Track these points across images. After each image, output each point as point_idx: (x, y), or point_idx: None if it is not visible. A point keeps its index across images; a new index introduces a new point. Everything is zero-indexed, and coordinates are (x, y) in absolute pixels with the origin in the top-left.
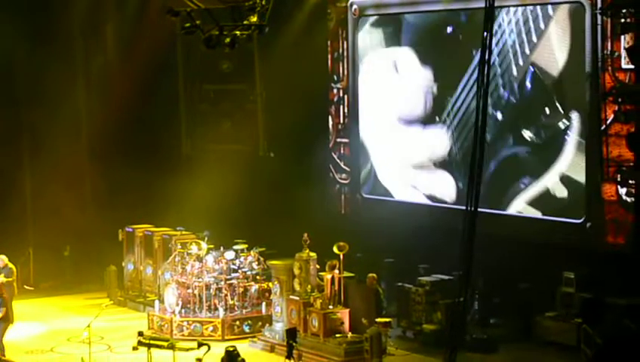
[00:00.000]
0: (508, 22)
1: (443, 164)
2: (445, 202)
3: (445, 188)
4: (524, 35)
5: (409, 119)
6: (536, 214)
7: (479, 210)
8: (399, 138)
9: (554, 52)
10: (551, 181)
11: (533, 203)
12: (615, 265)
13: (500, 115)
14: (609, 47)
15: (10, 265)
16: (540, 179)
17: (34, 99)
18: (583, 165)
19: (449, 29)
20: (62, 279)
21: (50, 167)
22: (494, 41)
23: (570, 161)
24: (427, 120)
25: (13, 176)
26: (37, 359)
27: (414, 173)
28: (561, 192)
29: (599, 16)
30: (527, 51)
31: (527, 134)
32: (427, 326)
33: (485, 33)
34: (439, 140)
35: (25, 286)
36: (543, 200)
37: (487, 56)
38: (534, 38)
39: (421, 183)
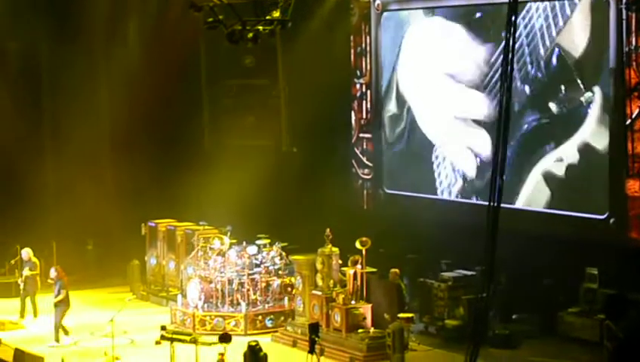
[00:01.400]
0: (536, 8)
1: (480, 123)
2: (480, 156)
3: (482, 144)
4: (550, 20)
5: (455, 78)
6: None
7: (503, 205)
8: (443, 94)
9: (577, 36)
10: (571, 148)
11: (554, 167)
12: (638, 260)
13: (527, 89)
14: (633, 43)
15: (34, 259)
16: (561, 146)
17: (57, 94)
18: (601, 134)
19: (478, 14)
20: (85, 273)
21: (73, 162)
22: (524, 22)
23: (590, 131)
24: (470, 82)
25: (37, 170)
26: (60, 352)
27: (456, 126)
28: (580, 159)
29: (624, 11)
30: (554, 34)
31: (551, 106)
32: (449, 321)
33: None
34: (479, 100)
35: (48, 281)
36: (563, 166)
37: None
38: (560, 22)
39: (462, 136)
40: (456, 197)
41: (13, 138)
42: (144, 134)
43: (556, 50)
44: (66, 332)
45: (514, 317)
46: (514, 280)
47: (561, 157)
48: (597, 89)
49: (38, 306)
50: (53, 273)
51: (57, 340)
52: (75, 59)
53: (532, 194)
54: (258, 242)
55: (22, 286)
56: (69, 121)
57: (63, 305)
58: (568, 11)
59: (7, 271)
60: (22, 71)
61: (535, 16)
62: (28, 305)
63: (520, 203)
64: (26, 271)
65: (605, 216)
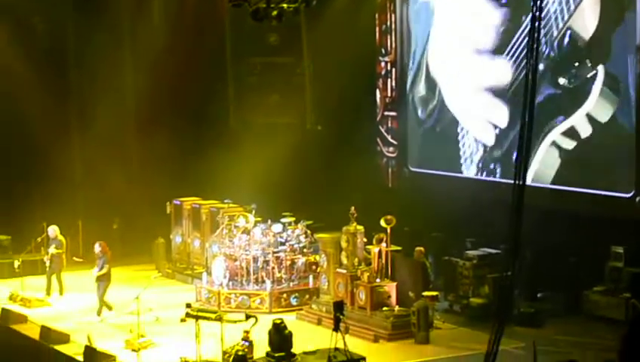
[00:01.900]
0: None
1: (501, 93)
2: (498, 127)
3: (501, 115)
4: (564, 5)
5: (481, 50)
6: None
7: (528, 183)
8: (470, 67)
9: (586, 20)
10: (578, 118)
11: (566, 133)
12: None
13: (541, 65)
14: None
15: (61, 237)
16: (570, 117)
17: (83, 72)
18: (605, 107)
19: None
20: (111, 251)
21: (99, 140)
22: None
23: (594, 104)
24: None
25: (63, 149)
26: (86, 330)
27: (481, 98)
28: (586, 129)
29: None
30: (566, 17)
31: (561, 81)
32: (474, 299)
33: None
34: (504, 71)
35: (74, 258)
36: (572, 134)
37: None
38: (572, 7)
39: (483, 108)
40: (478, 168)
41: (39, 116)
42: (169, 112)
43: (568, 32)
44: (109, 308)
45: (539, 295)
46: (539, 259)
47: (585, 136)
48: (600, 68)
49: (64, 284)
50: (97, 248)
51: (99, 314)
52: (101, 37)
53: (558, 172)
54: (283, 220)
55: (48, 264)
56: (95, 99)
57: (105, 280)
58: None
59: (34, 248)
60: (48, 48)
61: (550, 1)
62: (54, 282)
63: (545, 181)
64: (52, 249)
65: (631, 194)
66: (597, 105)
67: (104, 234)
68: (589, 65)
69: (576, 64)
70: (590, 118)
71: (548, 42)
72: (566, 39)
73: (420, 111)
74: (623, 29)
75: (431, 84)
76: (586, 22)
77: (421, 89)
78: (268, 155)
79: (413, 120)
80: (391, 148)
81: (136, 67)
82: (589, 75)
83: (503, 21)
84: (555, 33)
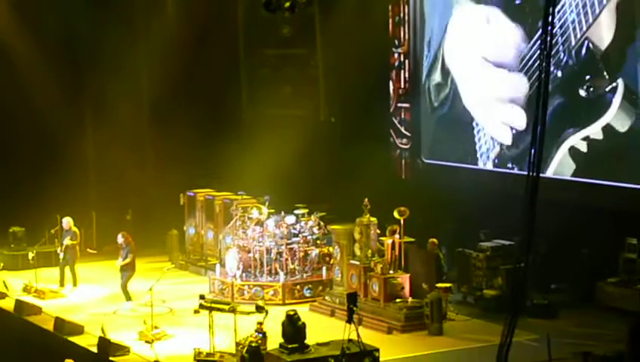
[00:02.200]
0: (569, 3)
1: (516, 100)
2: (516, 129)
3: (518, 118)
4: (582, 16)
5: (496, 62)
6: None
7: (542, 175)
8: (485, 77)
9: (604, 31)
10: (595, 130)
11: (578, 144)
12: None
13: (559, 73)
14: None
15: (75, 229)
16: (586, 128)
17: (95, 62)
18: (623, 120)
19: (517, 1)
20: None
21: (112, 131)
22: (558, 15)
23: (613, 115)
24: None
25: (76, 141)
26: (100, 321)
27: (497, 105)
28: (602, 139)
29: None
30: (584, 28)
31: (579, 91)
32: (488, 291)
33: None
34: (518, 83)
35: (88, 250)
36: (586, 145)
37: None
38: (590, 19)
39: (500, 113)
40: (492, 161)
41: (53, 108)
42: (183, 104)
43: (586, 42)
44: (128, 298)
45: (552, 287)
46: (553, 250)
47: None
48: (619, 81)
49: (77, 275)
50: (120, 239)
51: (129, 299)
52: (115, 28)
53: (571, 163)
54: (296, 212)
55: (62, 256)
56: (109, 91)
57: (128, 269)
58: (597, 9)
59: (48, 240)
60: (62, 40)
61: (568, 10)
62: (67, 274)
63: (560, 172)
64: (67, 241)
65: None
66: (616, 116)
67: (118, 226)
68: (606, 77)
69: (593, 74)
70: (608, 126)
71: (566, 51)
72: (583, 49)
73: (434, 103)
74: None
75: (445, 75)
76: (603, 33)
77: (436, 80)
78: (281, 147)
79: (427, 111)
80: (404, 140)
81: (150, 59)
82: (607, 86)
83: (521, 37)
84: (573, 42)
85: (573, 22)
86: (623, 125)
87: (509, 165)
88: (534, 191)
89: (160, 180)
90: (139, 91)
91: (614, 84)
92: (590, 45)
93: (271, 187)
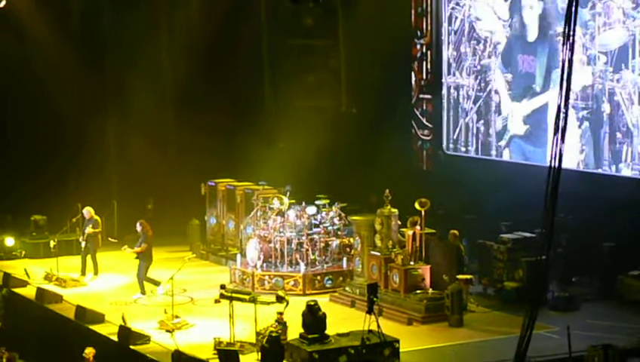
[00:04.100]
0: None
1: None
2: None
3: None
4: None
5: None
6: (620, 173)
7: (564, 167)
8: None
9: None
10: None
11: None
12: None
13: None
14: None
15: (96, 217)
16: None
17: (118, 52)
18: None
19: None
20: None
21: (134, 120)
22: None
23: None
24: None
25: (98, 130)
26: (120, 310)
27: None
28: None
29: None
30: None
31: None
32: (508, 283)
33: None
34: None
35: (109, 239)
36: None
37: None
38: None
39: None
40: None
41: (75, 97)
42: (205, 94)
43: None
44: (157, 284)
45: (573, 279)
46: (574, 243)
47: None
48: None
49: (98, 264)
50: (138, 227)
51: (144, 293)
52: (137, 17)
53: (593, 155)
54: (317, 202)
55: (83, 244)
56: (130, 81)
57: (146, 259)
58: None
59: (69, 228)
60: (84, 29)
61: None
62: (89, 262)
63: (580, 165)
64: (89, 229)
65: None
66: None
67: (139, 215)
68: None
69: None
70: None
71: None
72: None
73: (456, 95)
74: None
75: (455, 68)
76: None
77: (459, 73)
78: (303, 137)
79: (449, 103)
80: (426, 131)
81: (172, 48)
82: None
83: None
84: None
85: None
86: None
87: (531, 156)
88: (556, 184)
89: (181, 169)
90: (161, 81)
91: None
92: None
93: (292, 177)
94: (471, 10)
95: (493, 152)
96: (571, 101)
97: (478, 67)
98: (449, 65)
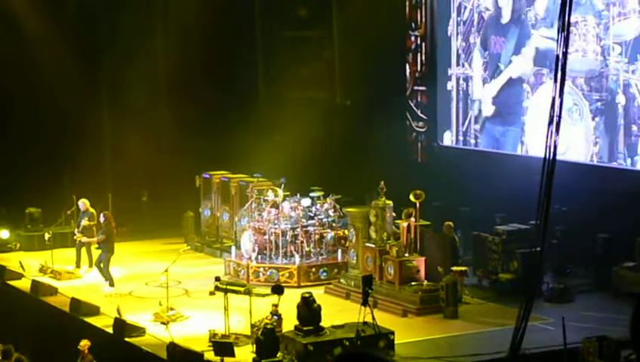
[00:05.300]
0: None
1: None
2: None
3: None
4: None
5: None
6: (614, 164)
7: (558, 158)
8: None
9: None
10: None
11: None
12: None
13: None
14: None
15: (92, 210)
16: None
17: (112, 45)
18: None
19: None
20: (140, 224)
21: (129, 114)
22: None
23: None
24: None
25: (93, 122)
26: (115, 302)
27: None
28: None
29: None
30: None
31: None
32: (503, 275)
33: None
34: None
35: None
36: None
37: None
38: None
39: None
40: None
41: (69, 89)
42: (199, 85)
43: None
44: (111, 282)
45: (568, 271)
46: (569, 234)
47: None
48: None
49: (93, 256)
50: (102, 218)
51: (111, 283)
52: (132, 10)
53: (577, 145)
54: (312, 194)
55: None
56: (125, 73)
57: (107, 250)
58: None
59: (64, 221)
60: (79, 22)
61: None
62: (84, 255)
63: (575, 156)
64: (84, 221)
65: None
66: None
67: (133, 207)
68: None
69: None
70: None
71: None
72: None
73: (450, 86)
74: None
75: (464, 59)
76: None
77: (454, 64)
78: (297, 129)
79: (444, 94)
80: (420, 123)
81: (167, 41)
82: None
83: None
84: None
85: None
86: None
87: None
88: (550, 175)
89: (176, 162)
90: (155, 73)
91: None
92: None
93: (287, 169)
94: (480, 1)
95: (474, 140)
96: (585, 92)
97: (487, 58)
98: (458, 56)
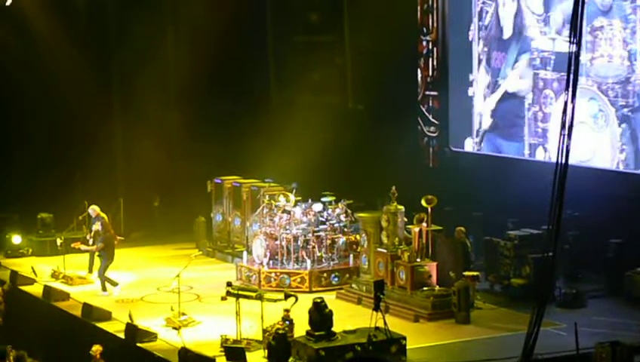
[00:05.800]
0: None
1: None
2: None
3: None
4: None
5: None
6: (628, 169)
7: (571, 163)
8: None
9: None
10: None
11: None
12: None
13: None
14: None
15: (102, 215)
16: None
17: (124, 49)
18: None
19: None
20: (152, 229)
21: (140, 118)
22: None
23: None
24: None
25: (104, 127)
26: (127, 307)
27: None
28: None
29: None
30: None
31: None
32: (515, 280)
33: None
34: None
35: (116, 236)
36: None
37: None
38: None
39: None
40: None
41: (81, 94)
42: (211, 91)
43: None
44: (114, 284)
45: (580, 276)
46: (581, 239)
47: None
48: None
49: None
50: (100, 226)
51: (104, 289)
52: (143, 14)
53: (602, 151)
54: (324, 199)
55: (90, 242)
56: (137, 78)
57: (106, 258)
58: None
59: (76, 226)
60: (89, 26)
61: None
62: (96, 260)
63: (601, 163)
64: (96, 227)
65: None
66: None
67: (145, 213)
68: None
69: None
70: None
71: None
72: None
73: (472, 92)
74: None
75: (477, 64)
76: None
77: (466, 69)
78: (309, 134)
79: (456, 99)
80: (432, 128)
81: (178, 45)
82: None
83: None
84: None
85: None
86: None
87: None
88: (562, 180)
89: (187, 167)
90: (167, 78)
91: None
92: None
93: (298, 174)
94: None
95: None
96: (611, 98)
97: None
98: (479, 60)
